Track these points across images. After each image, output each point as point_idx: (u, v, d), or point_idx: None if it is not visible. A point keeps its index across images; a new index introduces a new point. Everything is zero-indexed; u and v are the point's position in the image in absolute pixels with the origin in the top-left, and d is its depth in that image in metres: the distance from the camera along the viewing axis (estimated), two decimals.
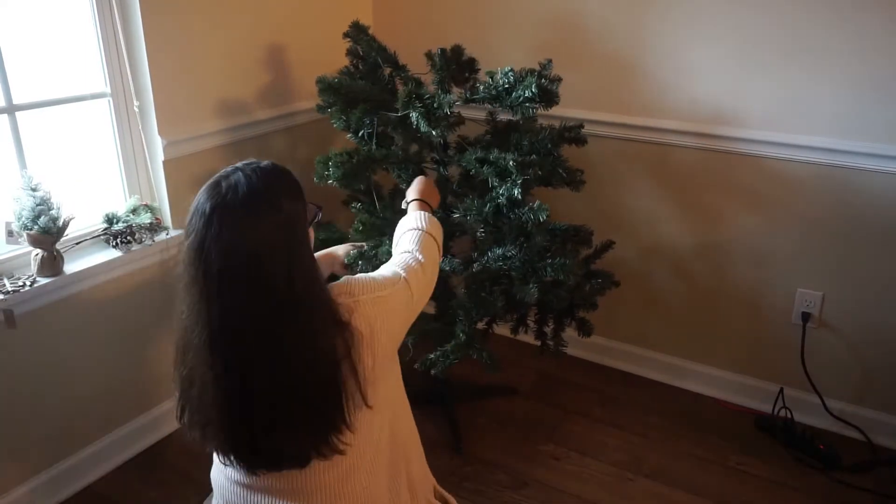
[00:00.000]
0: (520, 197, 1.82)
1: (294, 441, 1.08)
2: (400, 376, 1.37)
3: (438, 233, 1.49)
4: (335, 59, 2.28)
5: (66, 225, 1.90)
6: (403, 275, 1.29)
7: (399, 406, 1.36)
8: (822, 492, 2.17)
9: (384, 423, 1.25)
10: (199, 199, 1.05)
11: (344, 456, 1.13)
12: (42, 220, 1.84)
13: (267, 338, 1.03)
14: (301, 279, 1.05)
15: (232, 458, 1.10)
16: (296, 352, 1.04)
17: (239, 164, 1.10)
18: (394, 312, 1.21)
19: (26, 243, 1.89)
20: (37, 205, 1.84)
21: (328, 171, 1.96)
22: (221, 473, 1.23)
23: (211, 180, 1.08)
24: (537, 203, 1.82)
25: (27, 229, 1.84)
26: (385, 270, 1.30)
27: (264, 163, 1.11)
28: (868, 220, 2.20)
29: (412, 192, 1.65)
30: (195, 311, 1.03)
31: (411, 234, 1.43)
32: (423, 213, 1.51)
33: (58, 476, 2.08)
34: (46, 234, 1.85)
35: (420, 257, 1.36)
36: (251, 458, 1.10)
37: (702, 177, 2.43)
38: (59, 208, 1.89)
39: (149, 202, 2.18)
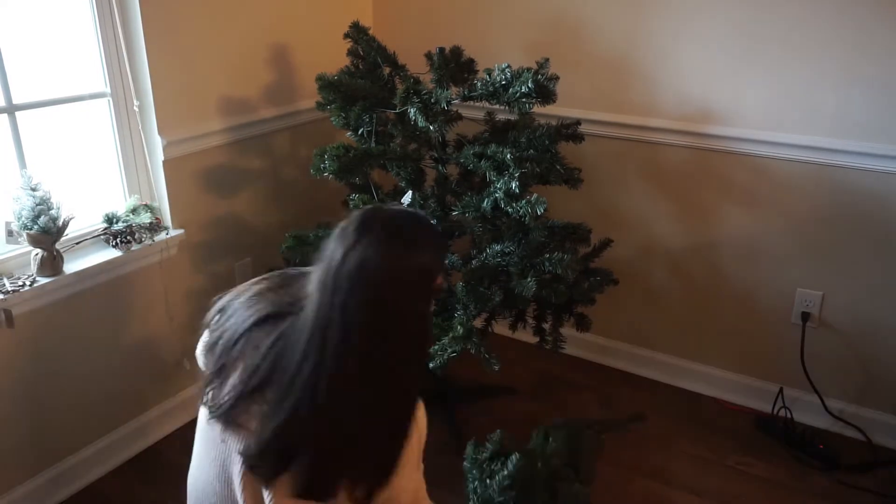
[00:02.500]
0: (517, 191, 1.82)
1: (324, 474, 1.02)
2: None
3: None
4: (336, 58, 2.28)
5: (65, 225, 1.90)
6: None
7: None
8: (822, 492, 2.17)
9: None
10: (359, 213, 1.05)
11: None
12: (42, 219, 1.84)
13: (365, 360, 1.00)
14: (421, 333, 1.05)
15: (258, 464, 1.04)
16: (384, 395, 1.02)
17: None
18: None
19: (26, 243, 1.89)
20: (36, 204, 1.84)
21: (324, 163, 1.97)
22: None
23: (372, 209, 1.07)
24: (535, 196, 1.82)
25: (27, 229, 1.85)
26: None
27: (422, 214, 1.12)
28: (867, 219, 2.20)
29: None
30: (315, 307, 1.01)
31: None
32: None
33: (58, 476, 2.08)
34: (46, 233, 1.86)
35: None
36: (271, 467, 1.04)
37: (699, 176, 2.43)
38: (58, 208, 1.89)
39: (149, 202, 2.18)
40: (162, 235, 2.18)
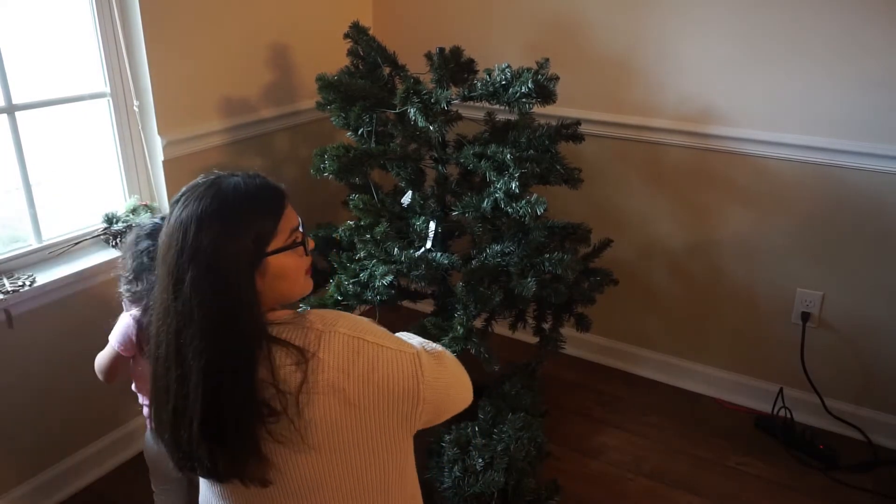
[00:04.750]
0: (517, 191, 1.82)
1: (202, 450, 1.00)
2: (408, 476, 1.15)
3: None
4: (336, 58, 2.28)
5: None
6: (416, 348, 1.09)
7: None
8: (822, 492, 2.17)
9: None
10: (188, 194, 1.06)
11: (266, 490, 1.04)
12: None
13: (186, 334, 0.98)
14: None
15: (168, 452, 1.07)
16: (205, 358, 0.97)
17: (239, 174, 1.10)
18: (384, 378, 1.02)
19: None
20: None
21: (324, 163, 1.97)
22: (208, 490, 1.20)
23: (209, 178, 1.07)
24: (535, 196, 1.82)
25: None
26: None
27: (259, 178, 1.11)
28: (867, 219, 2.20)
29: None
30: (161, 293, 1.02)
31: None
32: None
33: (58, 476, 2.08)
34: None
35: (439, 348, 1.17)
36: (175, 455, 1.06)
37: (698, 176, 2.43)
38: None
39: (148, 202, 2.18)
40: None
